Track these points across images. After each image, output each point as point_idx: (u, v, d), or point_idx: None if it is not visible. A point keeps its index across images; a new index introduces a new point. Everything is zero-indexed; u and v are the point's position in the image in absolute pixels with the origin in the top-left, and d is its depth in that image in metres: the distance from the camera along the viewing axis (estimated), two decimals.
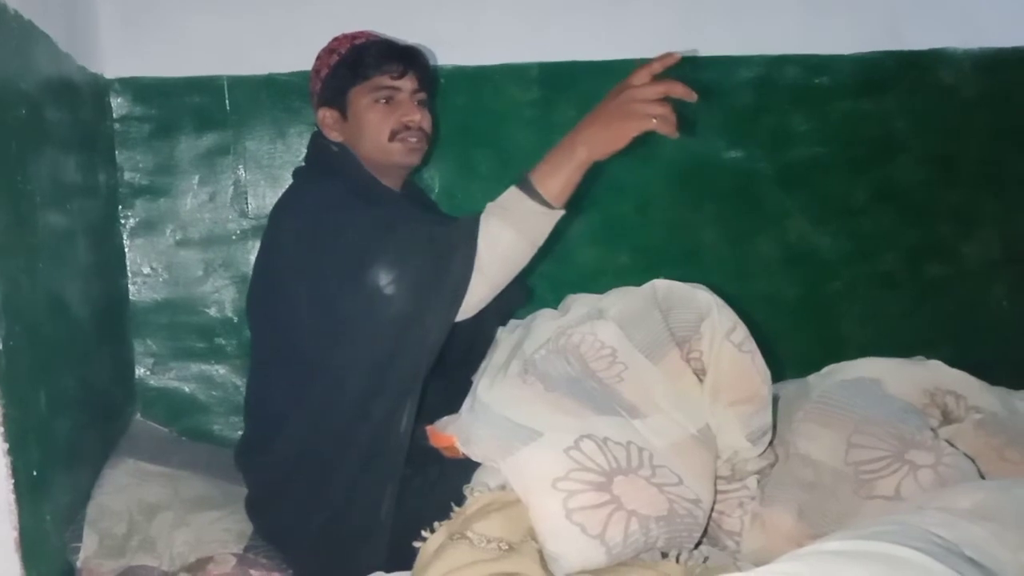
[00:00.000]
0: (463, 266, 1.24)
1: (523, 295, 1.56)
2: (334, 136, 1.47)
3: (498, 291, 1.30)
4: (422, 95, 1.48)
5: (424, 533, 1.10)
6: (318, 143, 1.50)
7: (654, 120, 1.20)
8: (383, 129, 1.44)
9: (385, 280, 1.23)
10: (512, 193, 1.27)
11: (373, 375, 1.26)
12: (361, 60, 1.44)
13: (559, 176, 1.25)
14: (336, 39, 1.49)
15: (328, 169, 1.46)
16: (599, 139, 1.23)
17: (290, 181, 1.82)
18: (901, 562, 0.67)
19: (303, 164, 1.55)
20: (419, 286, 1.24)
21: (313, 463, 1.30)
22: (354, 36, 1.49)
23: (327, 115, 1.47)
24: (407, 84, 1.46)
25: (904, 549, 0.69)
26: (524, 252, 1.28)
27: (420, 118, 1.46)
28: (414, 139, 1.45)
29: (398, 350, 1.25)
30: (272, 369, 1.39)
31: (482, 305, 1.29)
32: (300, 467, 1.32)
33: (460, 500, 1.12)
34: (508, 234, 1.25)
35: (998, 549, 0.79)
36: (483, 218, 1.27)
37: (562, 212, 1.28)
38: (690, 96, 1.21)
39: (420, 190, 1.71)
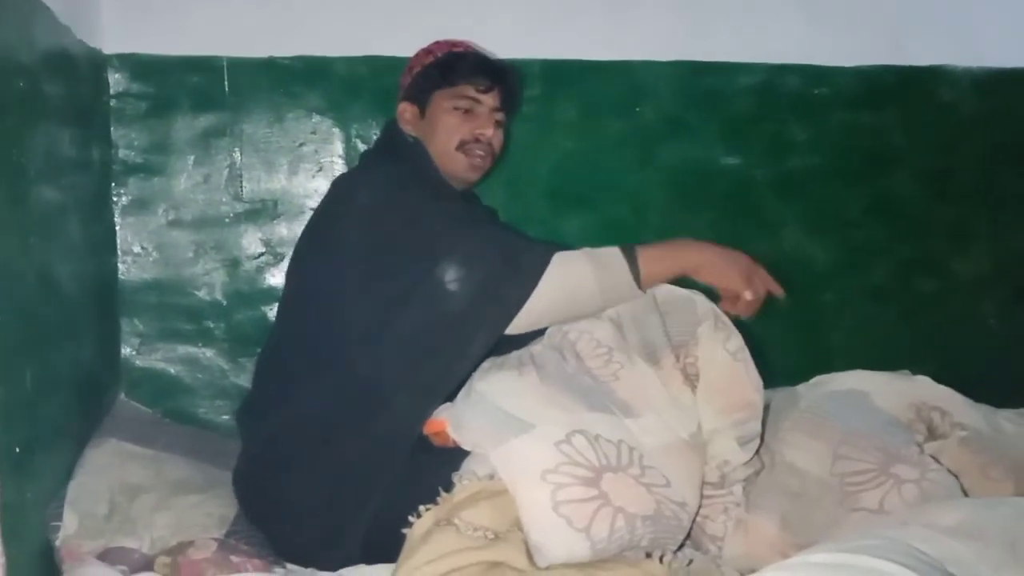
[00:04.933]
0: (522, 286, 1.23)
1: None
2: (408, 129, 1.50)
3: (547, 324, 1.29)
4: (501, 115, 1.51)
5: (411, 518, 1.11)
6: (393, 131, 1.52)
7: (748, 296, 1.28)
8: (454, 136, 1.46)
9: (452, 276, 1.23)
10: (614, 253, 1.27)
11: (408, 369, 1.24)
12: (452, 66, 1.47)
13: (662, 265, 1.28)
14: (437, 43, 1.53)
15: (400, 157, 1.47)
16: (713, 266, 1.28)
17: (286, 167, 1.85)
18: None
19: (372, 148, 1.56)
20: (481, 291, 1.23)
21: (317, 439, 1.28)
22: (454, 43, 1.52)
23: (407, 109, 1.50)
24: (490, 100, 1.48)
25: (891, 564, 0.70)
26: (592, 306, 1.27)
27: (492, 134, 1.48)
28: (480, 154, 1.47)
29: (440, 349, 1.24)
30: (295, 333, 1.37)
31: (527, 330, 1.27)
32: (302, 440, 1.29)
33: (447, 488, 1.13)
34: (589, 283, 1.25)
35: (980, 567, 0.80)
36: (572, 256, 1.27)
37: (640, 294, 1.28)
38: (779, 294, 1.33)
39: (477, 197, 1.69)
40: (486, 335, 1.24)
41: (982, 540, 0.83)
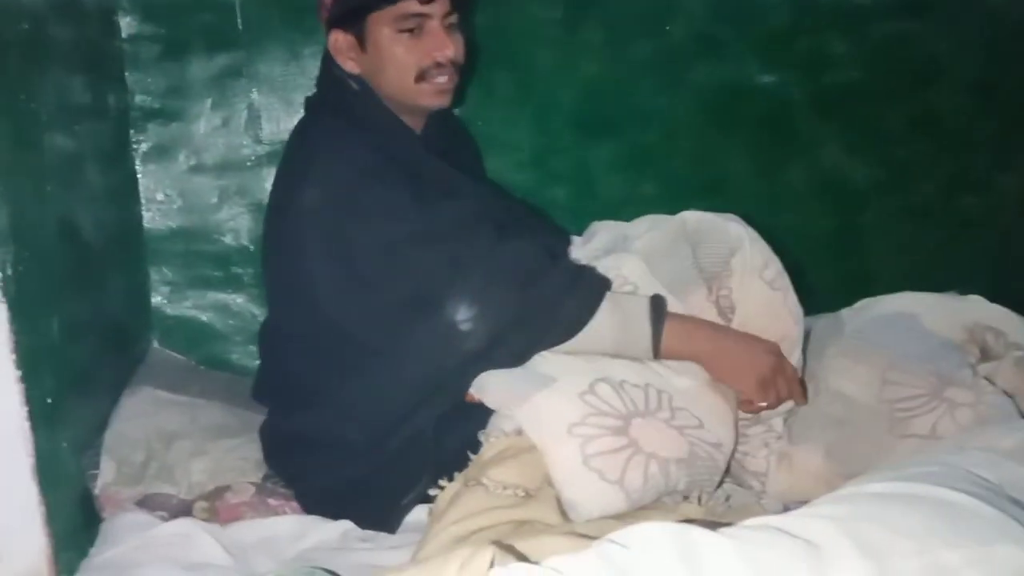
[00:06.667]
0: (547, 335, 1.12)
1: None
2: (350, 66, 1.27)
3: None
4: (454, 18, 1.26)
5: (442, 482, 1.08)
6: (332, 74, 1.29)
7: (761, 404, 1.15)
8: (409, 68, 1.23)
9: (464, 315, 1.10)
10: (642, 313, 1.13)
11: (422, 392, 1.16)
12: None
13: (680, 344, 1.13)
14: None
15: (347, 111, 1.27)
16: (727, 364, 1.13)
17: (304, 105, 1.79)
18: (950, 505, 0.64)
19: (315, 94, 1.37)
20: (500, 331, 1.11)
21: (333, 437, 1.22)
22: None
23: (341, 40, 1.26)
24: (438, 8, 1.22)
25: (951, 492, 0.66)
26: (599, 353, 1.15)
27: (453, 52, 1.24)
28: (444, 78, 1.25)
29: (463, 372, 1.15)
30: (293, 319, 1.29)
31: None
32: (319, 434, 1.24)
33: (475, 446, 1.11)
34: (605, 339, 1.13)
35: None
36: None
37: (651, 356, 1.14)
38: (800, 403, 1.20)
39: (450, 122, 1.49)
40: (509, 361, 1.15)
41: None
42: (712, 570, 0.58)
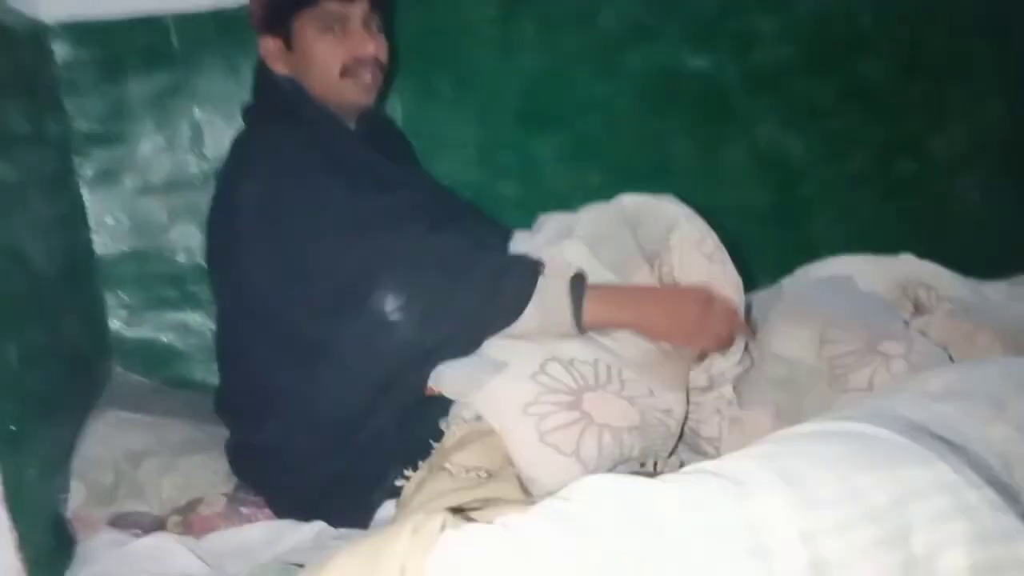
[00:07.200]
0: (508, 307, 1.14)
1: None
2: (280, 68, 1.34)
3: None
4: (375, 17, 1.34)
5: (407, 472, 1.11)
6: (265, 78, 1.37)
7: (697, 350, 1.18)
8: (332, 65, 1.31)
9: (391, 306, 1.12)
10: (560, 291, 1.15)
11: (372, 386, 1.18)
12: None
13: (607, 313, 1.15)
14: None
15: (280, 111, 1.33)
16: (655, 324, 1.16)
17: None
18: (867, 438, 0.69)
19: (251, 102, 1.43)
20: (432, 316, 1.13)
21: (296, 442, 1.24)
22: None
23: (270, 44, 1.34)
24: (358, 8, 1.31)
25: (869, 427, 0.71)
26: (525, 330, 1.16)
27: (375, 49, 1.32)
28: (368, 75, 1.32)
29: (411, 370, 1.16)
30: (242, 328, 1.31)
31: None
32: (281, 441, 1.26)
33: (438, 436, 1.13)
34: (530, 322, 1.15)
35: (967, 425, 0.81)
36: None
37: (576, 332, 1.16)
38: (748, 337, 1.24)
39: (382, 121, 1.59)
40: (453, 354, 1.17)
41: (969, 399, 0.84)
42: (648, 510, 0.62)
